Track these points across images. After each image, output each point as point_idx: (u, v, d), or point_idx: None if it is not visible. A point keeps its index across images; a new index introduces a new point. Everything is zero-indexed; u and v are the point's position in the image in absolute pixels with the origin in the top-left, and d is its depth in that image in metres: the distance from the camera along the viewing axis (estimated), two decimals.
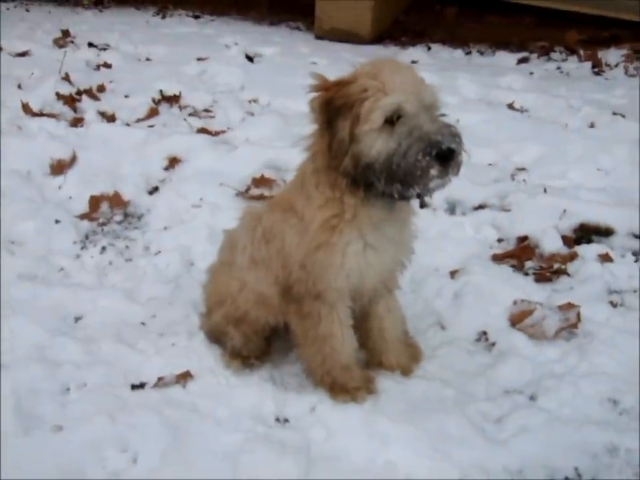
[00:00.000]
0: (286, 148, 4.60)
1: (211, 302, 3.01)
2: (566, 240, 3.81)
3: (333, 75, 2.53)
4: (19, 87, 5.71)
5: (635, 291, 3.46)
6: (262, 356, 2.97)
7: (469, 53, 7.55)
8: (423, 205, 2.66)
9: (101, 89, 5.84)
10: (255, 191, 4.28)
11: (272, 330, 2.92)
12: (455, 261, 3.67)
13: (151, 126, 5.17)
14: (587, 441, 2.55)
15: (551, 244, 3.77)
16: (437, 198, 4.03)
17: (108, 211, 4.17)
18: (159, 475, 2.41)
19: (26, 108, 5.20)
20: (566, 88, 6.02)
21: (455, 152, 2.29)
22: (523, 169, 4.60)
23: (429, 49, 7.63)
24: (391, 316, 2.85)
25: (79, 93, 5.67)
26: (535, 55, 7.22)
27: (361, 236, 2.53)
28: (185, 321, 3.23)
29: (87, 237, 3.98)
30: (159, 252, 3.83)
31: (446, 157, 2.27)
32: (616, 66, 6.68)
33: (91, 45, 7.11)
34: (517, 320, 3.19)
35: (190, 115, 5.47)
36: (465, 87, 6.02)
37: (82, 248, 3.89)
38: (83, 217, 4.11)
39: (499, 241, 3.90)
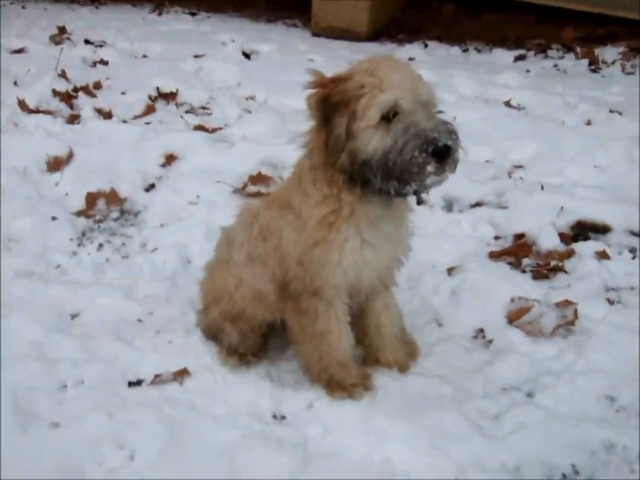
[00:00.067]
0: (283, 145, 4.59)
1: (207, 299, 3.01)
2: (563, 237, 3.81)
3: (330, 72, 2.52)
4: (15, 84, 5.70)
5: (632, 288, 3.47)
6: (259, 353, 2.97)
7: (465, 51, 7.55)
8: (419, 202, 2.67)
9: (98, 85, 5.82)
10: (252, 188, 4.28)
11: (269, 327, 2.91)
12: (452, 258, 3.67)
13: (148, 123, 5.17)
14: (585, 438, 2.55)
15: (548, 241, 3.78)
16: (434, 195, 4.03)
17: (104, 208, 4.16)
18: (156, 472, 2.41)
19: (22, 105, 5.18)
20: (563, 85, 6.03)
21: (452, 149, 2.29)
22: (520, 167, 4.61)
23: (426, 46, 7.63)
24: (388, 313, 2.85)
25: (76, 89, 5.66)
26: (531, 53, 7.22)
27: (358, 233, 2.53)
28: (182, 318, 3.22)
29: (83, 234, 3.97)
30: (156, 249, 3.82)
31: (442, 154, 2.27)
32: (613, 63, 6.69)
33: (87, 41, 7.09)
34: (514, 317, 3.19)
35: (187, 112, 5.47)
36: (462, 85, 6.02)
37: (79, 245, 3.88)
38: (79, 214, 4.10)
39: (496, 238, 3.90)
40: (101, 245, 3.87)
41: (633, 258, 3.70)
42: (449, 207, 4.13)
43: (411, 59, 6.99)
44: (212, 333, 3.01)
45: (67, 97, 5.49)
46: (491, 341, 3.12)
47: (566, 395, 2.76)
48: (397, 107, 2.30)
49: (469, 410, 2.69)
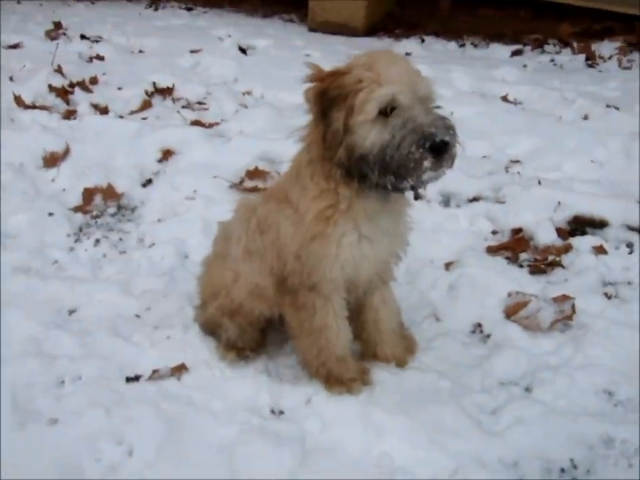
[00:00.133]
0: (280, 140, 4.57)
1: (205, 294, 3.00)
2: (560, 232, 3.81)
3: (327, 66, 2.52)
4: (11, 79, 5.67)
5: (629, 283, 3.48)
6: (257, 348, 2.96)
7: (462, 46, 7.56)
8: (417, 197, 2.66)
9: (94, 81, 5.81)
10: (249, 183, 4.27)
11: (267, 321, 2.91)
12: (449, 253, 3.67)
13: (144, 118, 5.16)
14: (583, 432, 2.55)
15: (546, 236, 3.78)
16: (432, 190, 4.03)
17: (101, 204, 4.15)
18: (154, 467, 2.40)
19: (18, 100, 5.16)
20: (560, 80, 6.04)
21: (449, 144, 2.28)
22: (517, 162, 4.61)
23: (423, 41, 7.64)
24: (386, 307, 2.85)
25: (72, 85, 5.65)
26: (528, 48, 7.25)
27: (356, 227, 2.52)
28: (180, 314, 3.22)
29: (80, 230, 3.96)
30: (153, 244, 3.82)
31: (439, 150, 2.26)
32: (609, 58, 6.71)
33: (83, 37, 7.09)
34: (512, 312, 3.19)
35: (183, 107, 5.46)
36: (459, 80, 6.02)
37: (76, 241, 3.87)
38: (76, 209, 4.09)
39: (494, 233, 3.90)
40: (98, 241, 3.86)
41: (630, 253, 3.70)
42: (446, 201, 4.13)
43: (407, 54, 7.00)
44: (210, 328, 3.00)
45: (63, 93, 5.48)
46: (488, 336, 3.12)
47: (564, 389, 2.76)
48: (394, 101, 2.29)
49: (467, 405, 2.69)
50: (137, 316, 3.25)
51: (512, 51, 7.14)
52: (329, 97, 2.34)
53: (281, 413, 2.69)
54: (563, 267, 3.59)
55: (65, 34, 7.17)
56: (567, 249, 3.70)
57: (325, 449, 2.48)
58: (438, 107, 2.41)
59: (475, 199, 4.13)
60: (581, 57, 6.79)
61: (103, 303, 3.33)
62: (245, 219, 2.77)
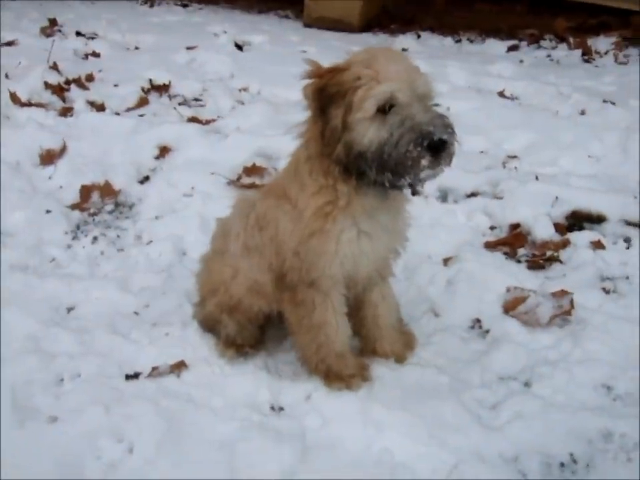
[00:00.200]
0: (276, 136, 4.59)
1: (204, 291, 3.00)
2: (558, 227, 3.82)
3: (325, 63, 2.51)
4: (6, 76, 5.64)
5: (627, 278, 3.48)
6: (256, 344, 2.96)
7: (458, 41, 7.55)
8: (414, 193, 2.65)
9: (90, 78, 5.80)
10: (246, 180, 4.27)
11: (266, 318, 2.91)
12: (447, 249, 3.67)
13: (141, 115, 5.15)
14: (582, 426, 2.56)
15: (543, 231, 3.78)
16: (429, 186, 4.00)
17: (99, 201, 4.14)
18: (154, 465, 2.40)
19: (14, 98, 5.14)
20: (556, 75, 6.04)
21: (447, 143, 2.27)
22: (514, 157, 4.61)
23: (419, 36, 7.64)
24: (385, 303, 2.85)
25: (68, 82, 5.63)
26: (524, 43, 7.25)
27: (355, 223, 2.52)
28: (179, 311, 3.21)
29: (78, 227, 3.96)
30: (151, 241, 3.81)
31: (437, 148, 2.26)
32: (605, 53, 6.71)
33: (78, 33, 7.07)
34: (511, 307, 3.20)
35: (180, 103, 5.45)
36: (455, 75, 6.02)
37: (73, 238, 3.86)
38: (73, 207, 4.09)
39: (491, 228, 3.91)
40: (95, 238, 3.86)
41: (628, 247, 3.70)
42: (444, 197, 4.13)
43: (404, 49, 6.98)
44: (209, 325, 3.00)
45: (59, 90, 5.46)
46: (487, 331, 3.13)
47: (563, 384, 2.77)
48: (393, 99, 2.29)
49: (466, 400, 2.70)
50: (136, 313, 3.25)
51: (508, 46, 7.14)
52: (328, 93, 2.34)
53: (281, 409, 2.69)
54: (561, 262, 3.59)
55: (60, 31, 7.15)
56: (565, 244, 3.71)
57: (325, 445, 2.48)
58: (436, 105, 2.40)
59: (472, 195, 4.13)
60: (577, 52, 6.80)
61: (101, 300, 3.33)
62: (243, 215, 2.76)
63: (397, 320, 2.95)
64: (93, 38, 7.00)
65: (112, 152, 4.57)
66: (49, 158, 4.49)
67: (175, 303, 3.28)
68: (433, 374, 2.82)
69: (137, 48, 6.85)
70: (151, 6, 8.73)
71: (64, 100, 5.37)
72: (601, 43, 6.91)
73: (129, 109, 5.26)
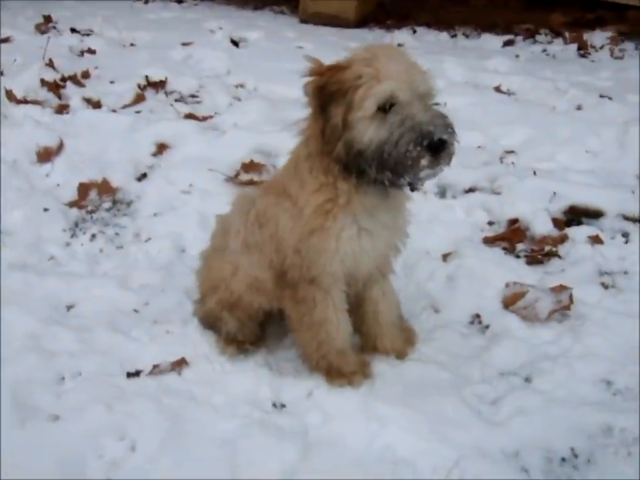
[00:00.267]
0: (274, 133, 4.59)
1: (204, 288, 3.00)
2: (556, 222, 3.83)
3: (326, 60, 2.51)
4: (2, 73, 5.62)
5: (625, 272, 3.50)
6: (257, 341, 2.97)
7: (454, 36, 7.55)
8: (413, 189, 2.65)
9: (86, 75, 5.76)
10: (245, 176, 4.26)
11: (266, 315, 2.91)
12: (446, 244, 3.68)
13: (138, 112, 5.12)
14: (582, 421, 2.57)
15: (542, 226, 3.79)
16: (428, 182, 4.02)
17: (97, 198, 4.13)
18: (157, 462, 2.40)
19: (10, 95, 5.12)
20: (552, 70, 6.05)
21: (447, 143, 2.27)
22: (512, 152, 4.61)
23: (415, 32, 7.62)
24: (385, 300, 2.85)
25: (64, 79, 5.59)
26: (520, 38, 7.24)
27: (355, 221, 2.53)
28: (179, 308, 3.21)
29: (76, 225, 3.95)
30: (150, 239, 3.80)
31: (437, 148, 2.26)
32: (601, 48, 6.72)
33: (73, 30, 7.01)
34: (510, 302, 3.21)
35: (176, 100, 5.43)
36: (451, 70, 6.01)
37: (72, 236, 3.85)
38: (71, 204, 4.07)
39: (490, 223, 3.91)
40: (94, 236, 3.85)
41: (626, 242, 3.71)
42: (442, 192, 4.14)
43: (400, 45, 6.98)
44: (209, 322, 3.00)
45: (55, 87, 5.43)
46: (487, 326, 3.14)
47: (563, 379, 2.78)
48: (393, 98, 2.28)
49: (467, 395, 2.71)
50: (136, 311, 3.25)
51: (504, 41, 7.13)
52: (328, 91, 2.33)
53: (282, 406, 2.69)
54: (559, 257, 3.60)
55: (55, 27, 7.10)
56: (563, 239, 3.72)
57: (327, 441, 2.49)
58: (437, 104, 2.39)
59: (470, 190, 4.13)
60: (573, 47, 6.80)
61: (101, 298, 3.32)
62: (243, 211, 2.76)
63: (398, 316, 2.95)
64: (88, 35, 6.95)
65: (109, 149, 4.56)
66: (46, 156, 4.47)
67: (174, 300, 3.28)
68: (434, 370, 2.83)
69: (132, 45, 6.81)
70: (146, 2, 8.69)
71: (60, 97, 5.34)
72: (597, 37, 6.91)
73: (125, 106, 5.23)
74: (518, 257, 3.63)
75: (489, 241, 3.72)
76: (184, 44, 6.63)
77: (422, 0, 8.44)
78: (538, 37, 7.24)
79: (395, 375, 2.80)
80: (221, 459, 2.41)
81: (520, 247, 3.70)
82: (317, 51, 6.41)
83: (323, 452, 2.45)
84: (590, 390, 2.75)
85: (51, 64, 5.81)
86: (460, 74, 5.94)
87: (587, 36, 6.91)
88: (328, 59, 2.49)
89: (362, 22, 7.92)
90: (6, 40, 6.62)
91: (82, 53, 6.45)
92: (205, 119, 5.00)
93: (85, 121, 4.86)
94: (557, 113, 5.05)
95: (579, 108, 5.12)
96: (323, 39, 7.07)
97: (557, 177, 4.16)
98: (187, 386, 2.74)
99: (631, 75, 5.83)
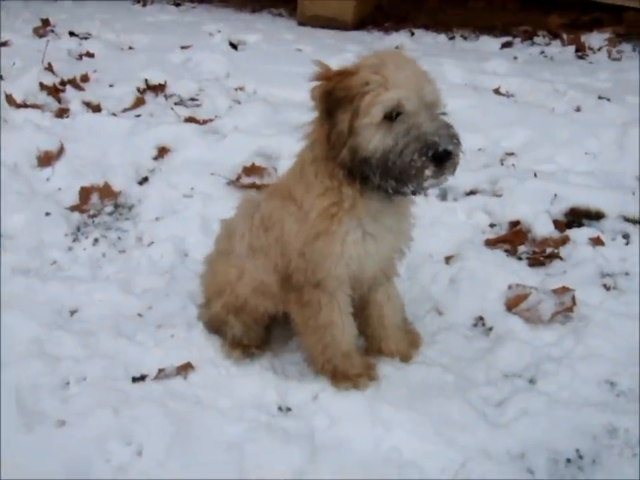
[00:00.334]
0: (275, 136, 4.60)
1: (209, 292, 3.00)
2: (557, 224, 3.84)
3: (327, 62, 2.52)
4: (1, 77, 5.62)
5: (626, 274, 3.51)
6: (262, 345, 2.98)
7: (452, 38, 7.56)
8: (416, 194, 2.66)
9: (85, 78, 5.77)
10: (246, 180, 4.27)
11: (271, 318, 2.92)
12: (448, 247, 3.69)
13: (138, 115, 5.14)
14: (587, 422, 2.58)
15: (543, 228, 3.80)
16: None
17: (98, 202, 4.13)
18: (164, 467, 2.41)
19: (10, 99, 5.12)
20: (550, 72, 6.07)
21: (452, 153, 2.28)
22: (512, 154, 4.63)
23: (413, 34, 7.64)
24: (390, 303, 2.86)
25: (63, 83, 5.61)
26: (518, 40, 7.27)
27: (360, 225, 2.54)
28: (183, 312, 3.22)
29: (78, 229, 3.95)
30: (152, 243, 3.81)
31: (442, 159, 2.27)
32: (599, 50, 6.74)
33: (72, 34, 7.03)
34: (513, 304, 3.21)
35: (176, 103, 5.44)
36: (450, 72, 6.02)
37: (74, 240, 3.85)
38: (73, 208, 4.07)
39: (491, 226, 3.93)
40: (96, 240, 3.85)
41: (627, 244, 3.73)
42: (443, 195, 4.15)
43: (397, 47, 7.00)
44: (214, 326, 3.01)
45: (55, 91, 5.44)
46: (490, 329, 3.14)
47: (567, 380, 2.79)
48: (400, 107, 2.29)
49: (472, 397, 2.72)
50: (139, 315, 3.25)
51: (502, 43, 7.15)
52: (335, 97, 2.34)
53: (288, 409, 2.70)
54: (561, 258, 3.61)
55: (53, 31, 7.11)
56: (564, 240, 3.73)
57: (333, 444, 2.50)
58: (443, 114, 2.40)
59: (471, 192, 4.14)
60: (571, 49, 6.82)
61: (104, 302, 3.32)
62: (248, 215, 2.77)
63: (402, 319, 2.96)
64: (86, 38, 6.96)
65: (110, 153, 4.56)
66: (46, 159, 4.48)
67: (178, 304, 3.28)
68: (439, 372, 2.84)
69: (131, 48, 6.82)
70: (144, 5, 8.70)
71: (59, 101, 5.35)
72: (594, 39, 6.94)
73: (125, 110, 5.25)
74: (520, 259, 3.64)
75: (491, 243, 3.73)
76: (183, 47, 6.63)
77: (420, 2, 8.46)
78: (536, 39, 7.26)
79: (399, 377, 2.81)
80: (229, 462, 2.41)
81: (521, 249, 3.71)
82: (316, 53, 6.45)
83: (330, 455, 2.46)
84: (593, 391, 2.76)
85: (50, 68, 5.82)
86: (459, 76, 5.95)
87: (584, 38, 6.94)
88: (327, 62, 2.50)
89: (360, 24, 7.94)
90: (4, 44, 6.63)
91: (80, 57, 6.45)
92: (205, 122, 5.01)
93: (85, 125, 4.87)
94: (556, 115, 5.06)
95: (577, 109, 5.14)
96: (321, 42, 7.08)
97: (558, 179, 4.18)
98: (193, 390, 2.74)
99: (629, 76, 5.86)
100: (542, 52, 6.92)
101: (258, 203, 2.75)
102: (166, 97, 5.55)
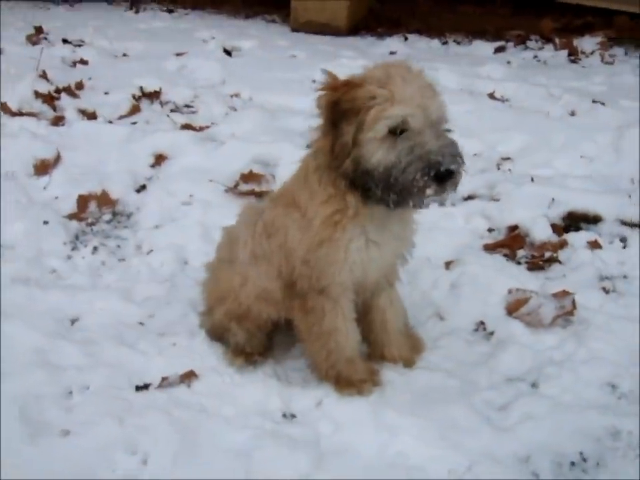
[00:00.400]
0: (272, 143, 4.61)
1: (211, 299, 3.00)
2: (555, 228, 3.86)
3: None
4: None
5: (624, 277, 3.53)
6: (265, 352, 2.97)
7: (445, 43, 7.60)
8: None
9: (80, 86, 5.76)
10: (244, 187, 4.27)
11: (274, 325, 2.92)
12: (447, 252, 3.69)
13: (134, 123, 5.13)
14: (590, 425, 2.59)
15: (541, 232, 3.82)
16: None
17: (96, 211, 4.12)
18: (171, 475, 2.40)
19: (5, 107, 5.11)
20: (544, 76, 6.11)
21: (454, 173, 2.29)
22: (508, 159, 4.66)
23: (406, 39, 7.67)
24: (392, 308, 2.87)
25: (58, 90, 5.59)
26: (511, 44, 7.31)
27: (364, 232, 2.54)
28: (184, 320, 3.21)
29: (77, 238, 3.94)
30: (152, 251, 3.80)
31: (443, 178, 2.27)
32: (591, 53, 6.79)
33: (65, 41, 7.02)
34: (513, 309, 3.23)
35: (172, 110, 5.44)
36: (445, 77, 6.01)
37: (73, 249, 3.84)
38: (71, 217, 4.05)
39: (490, 230, 3.94)
40: (95, 248, 3.84)
41: (624, 247, 3.75)
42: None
43: (392, 52, 7.05)
44: (217, 334, 3.00)
45: (50, 98, 5.42)
46: (492, 333, 3.15)
47: (569, 384, 2.81)
48: (405, 123, 2.29)
49: (476, 402, 2.72)
50: (141, 323, 3.24)
51: (495, 47, 7.19)
52: (341, 108, 2.35)
53: (293, 416, 2.69)
54: (560, 262, 3.63)
55: (46, 38, 7.11)
56: (563, 244, 3.75)
57: (339, 450, 2.50)
58: (448, 130, 2.41)
59: (469, 197, 4.16)
60: (564, 53, 6.87)
61: (105, 311, 3.31)
62: (250, 222, 2.78)
63: (404, 324, 2.97)
64: (80, 45, 6.97)
65: (107, 161, 4.56)
66: (43, 168, 4.47)
67: (180, 312, 3.28)
68: (442, 377, 2.85)
69: (125, 55, 6.82)
70: (136, 12, 8.71)
71: (55, 109, 5.33)
72: (586, 43, 6.98)
73: (121, 117, 5.24)
74: (519, 263, 3.66)
75: (490, 248, 3.75)
76: (177, 54, 6.64)
77: (412, 7, 8.49)
78: (528, 43, 7.31)
79: (403, 382, 2.82)
80: (236, 470, 2.41)
81: (520, 253, 3.73)
82: (310, 59, 6.49)
83: (336, 460, 2.46)
84: (596, 394, 2.77)
85: (44, 75, 5.81)
86: (454, 81, 5.97)
87: (576, 42, 6.99)
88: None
89: (353, 30, 7.97)
90: None
91: (74, 64, 6.46)
92: (201, 129, 5.01)
93: (81, 133, 4.86)
94: (552, 119, 5.09)
95: (572, 114, 5.17)
96: (315, 48, 7.10)
97: (555, 183, 4.20)
98: (197, 398, 2.73)
99: (623, 79, 5.92)
100: (535, 56, 6.96)
101: (260, 210, 2.76)
102: (161, 104, 5.55)
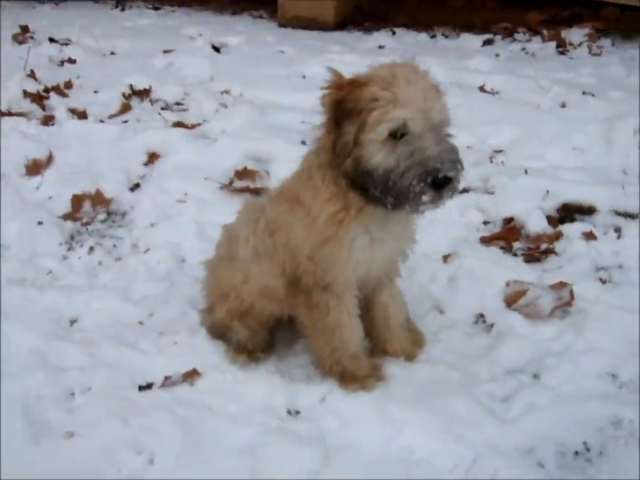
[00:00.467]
0: (264, 139, 4.60)
1: (212, 297, 2.99)
2: (550, 220, 3.88)
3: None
4: None
5: (620, 267, 3.56)
6: (267, 349, 2.97)
7: (433, 37, 7.59)
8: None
9: (68, 85, 5.70)
10: (239, 184, 4.25)
11: (276, 322, 2.92)
12: (444, 245, 3.70)
13: (125, 121, 5.09)
14: (592, 415, 2.62)
15: (536, 224, 3.84)
16: None
17: (91, 210, 4.09)
18: (177, 474, 2.40)
19: None
20: (533, 68, 6.11)
21: (452, 179, 2.29)
22: (500, 151, 4.67)
23: (394, 33, 7.64)
24: (394, 304, 2.88)
25: (47, 90, 5.53)
26: (499, 37, 7.31)
27: (367, 231, 2.55)
28: (184, 318, 3.20)
29: (72, 238, 3.91)
30: (148, 249, 3.78)
31: (441, 185, 2.27)
32: (579, 45, 6.81)
33: (52, 40, 6.95)
34: (512, 300, 3.25)
35: (162, 108, 5.39)
36: (434, 71, 5.85)
37: (68, 249, 3.81)
38: (65, 217, 4.03)
39: (485, 223, 3.95)
40: (91, 248, 3.81)
41: (619, 237, 3.78)
42: None
43: (380, 47, 7.04)
44: (218, 332, 3.00)
45: (39, 98, 5.36)
46: (491, 325, 3.17)
47: (569, 374, 2.83)
48: (405, 127, 2.28)
49: (478, 394, 2.74)
50: (140, 323, 3.23)
51: (483, 40, 7.19)
52: (344, 108, 2.35)
53: (297, 412, 2.70)
54: (556, 254, 3.65)
55: (32, 37, 7.03)
56: (558, 236, 3.77)
57: (344, 446, 2.51)
58: (449, 135, 2.41)
59: (464, 190, 4.14)
60: (552, 45, 6.88)
61: (103, 311, 3.29)
62: (251, 220, 2.77)
63: (405, 319, 2.98)
64: (66, 44, 6.89)
65: (99, 160, 4.52)
66: (35, 168, 4.43)
67: (179, 310, 3.27)
68: (443, 370, 2.86)
69: (112, 53, 6.76)
70: (123, 10, 8.64)
71: (44, 108, 5.28)
72: (574, 34, 6.99)
73: (111, 116, 5.19)
74: (515, 255, 3.68)
75: (486, 241, 3.76)
76: (165, 51, 6.58)
77: (399, 1, 8.48)
78: (516, 36, 7.30)
79: (405, 377, 2.83)
80: (242, 467, 2.41)
81: (516, 245, 3.75)
82: (298, 55, 6.47)
83: (342, 456, 2.47)
84: (596, 384, 2.80)
85: (32, 75, 5.74)
86: (442, 74, 5.91)
87: (564, 33, 6.99)
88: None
89: (340, 24, 7.95)
90: None
91: (62, 63, 6.38)
92: (193, 126, 4.98)
93: (72, 132, 4.82)
94: (542, 111, 5.10)
95: (563, 105, 5.19)
96: (303, 43, 7.08)
97: (548, 175, 4.22)
98: (201, 396, 2.73)
99: (611, 71, 5.94)
100: (523, 48, 6.97)
101: (261, 207, 2.76)
102: (152, 102, 5.51)
